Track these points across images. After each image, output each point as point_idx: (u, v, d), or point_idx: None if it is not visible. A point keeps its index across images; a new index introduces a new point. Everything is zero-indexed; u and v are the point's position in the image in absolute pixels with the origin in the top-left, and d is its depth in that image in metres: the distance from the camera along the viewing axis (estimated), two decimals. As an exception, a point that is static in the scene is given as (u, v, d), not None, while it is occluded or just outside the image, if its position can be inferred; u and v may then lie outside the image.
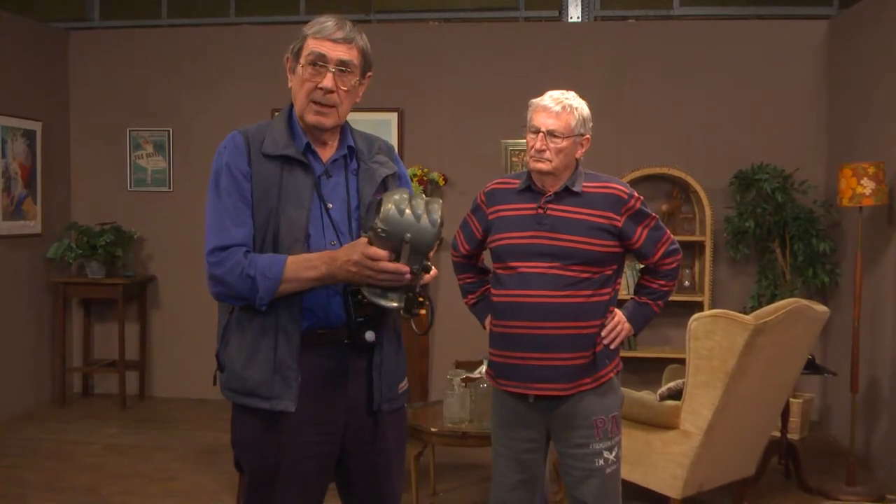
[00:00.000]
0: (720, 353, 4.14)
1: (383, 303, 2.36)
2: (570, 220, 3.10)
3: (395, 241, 2.28)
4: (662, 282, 3.27)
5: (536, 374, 3.10)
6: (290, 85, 2.53)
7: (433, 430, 4.44)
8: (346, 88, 2.47)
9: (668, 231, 3.29)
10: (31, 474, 5.28)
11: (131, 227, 7.04)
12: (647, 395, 4.62)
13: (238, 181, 2.43)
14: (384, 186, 2.58)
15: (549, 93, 3.23)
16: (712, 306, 6.24)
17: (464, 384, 4.52)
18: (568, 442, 3.18)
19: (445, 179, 6.76)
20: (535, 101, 3.22)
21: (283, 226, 2.41)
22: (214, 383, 2.53)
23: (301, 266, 2.37)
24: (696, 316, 4.26)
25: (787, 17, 6.93)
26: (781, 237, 6.24)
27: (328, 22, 2.47)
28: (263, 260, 2.38)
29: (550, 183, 3.16)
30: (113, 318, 7.04)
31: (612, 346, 3.19)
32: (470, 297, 3.47)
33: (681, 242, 6.22)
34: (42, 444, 5.92)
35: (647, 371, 6.38)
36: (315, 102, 2.46)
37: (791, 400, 5.99)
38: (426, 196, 2.37)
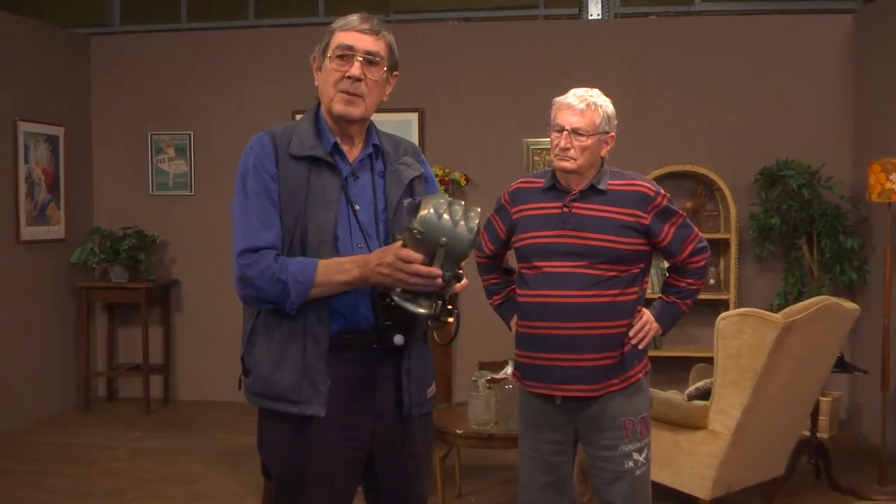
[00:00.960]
0: (749, 352, 4.08)
1: (413, 308, 2.32)
2: (596, 218, 3.06)
3: (430, 245, 2.24)
4: (690, 280, 3.22)
5: (563, 375, 3.06)
6: (316, 83, 2.51)
7: (458, 432, 4.41)
8: (373, 78, 2.45)
9: (696, 228, 3.24)
10: (56, 479, 5.29)
11: (154, 230, 7.05)
12: (674, 395, 4.57)
13: (266, 182, 2.40)
14: (411, 189, 2.56)
15: (573, 90, 3.19)
16: (738, 304, 6.18)
17: (489, 385, 4.48)
18: (596, 444, 3.13)
19: (467, 179, 6.72)
20: (559, 98, 3.18)
21: (311, 228, 2.39)
22: (240, 387, 2.51)
23: (333, 270, 2.34)
24: (723, 315, 4.21)
25: (810, 12, 6.84)
26: (808, 234, 6.17)
27: (354, 16, 2.47)
28: (295, 264, 2.35)
29: (576, 181, 3.12)
30: (137, 322, 7.05)
31: (641, 347, 3.14)
32: (495, 297, 3.43)
33: (705, 240, 6.25)
34: (66, 448, 5.93)
35: (672, 370, 6.32)
36: (343, 91, 2.43)
37: (820, 398, 5.93)
38: (463, 202, 2.32)
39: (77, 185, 7.05)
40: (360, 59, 2.41)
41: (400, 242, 2.29)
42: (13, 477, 5.35)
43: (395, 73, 2.56)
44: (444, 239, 2.24)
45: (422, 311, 2.33)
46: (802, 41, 6.55)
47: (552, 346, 3.06)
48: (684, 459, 4.30)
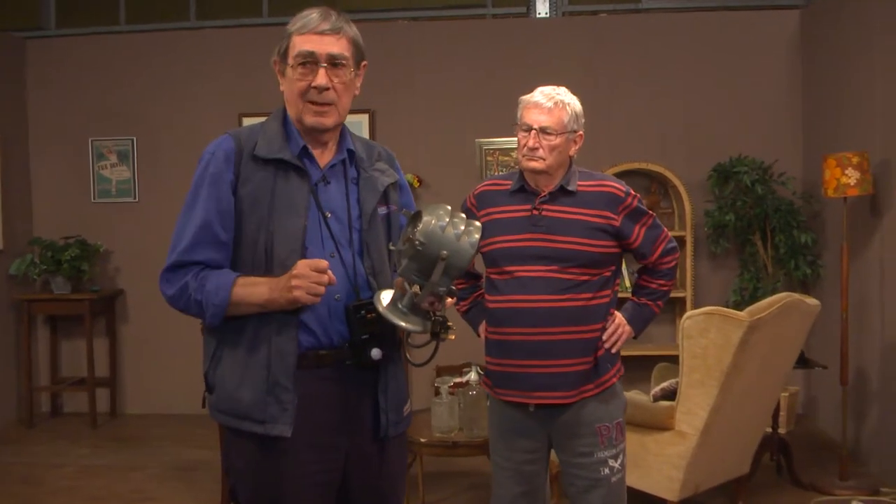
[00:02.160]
0: (715, 352, 4.05)
1: (406, 325, 2.22)
2: (567, 220, 2.98)
3: (430, 258, 2.15)
4: (661, 281, 3.17)
5: (537, 383, 2.97)
6: (281, 88, 2.38)
7: (422, 440, 4.32)
8: (342, 82, 2.31)
9: (665, 229, 3.18)
10: (2, 500, 5.07)
11: (97, 239, 6.81)
12: (639, 396, 4.52)
13: (219, 192, 2.27)
14: (385, 196, 2.44)
15: (540, 88, 3.11)
16: (695, 302, 6.18)
17: (452, 391, 4.39)
18: (571, 451, 3.06)
19: (420, 181, 6.62)
20: (526, 97, 3.10)
21: (278, 237, 2.26)
22: (203, 405, 2.37)
23: (247, 291, 2.23)
24: (689, 314, 4.17)
25: (756, 8, 6.86)
26: (762, 230, 6.18)
27: (311, 14, 2.31)
28: (212, 282, 2.24)
29: (544, 182, 3.04)
30: (80, 334, 6.80)
31: (614, 350, 3.07)
32: (462, 303, 3.33)
33: (675, 240, 6.23)
34: (11, 467, 5.69)
35: (631, 370, 6.16)
36: (311, 102, 2.30)
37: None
38: (464, 215, 2.26)
39: (14, 193, 6.79)
40: (325, 65, 2.28)
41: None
42: (-47, 499, 5.13)
43: (364, 62, 2.42)
44: (445, 252, 2.16)
45: (417, 328, 2.24)
46: (750, 37, 6.57)
47: (525, 353, 2.98)
48: (652, 461, 4.25)
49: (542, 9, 7.15)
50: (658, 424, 4.24)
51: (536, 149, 2.99)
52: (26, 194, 6.98)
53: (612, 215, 3.01)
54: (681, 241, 6.37)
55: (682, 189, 6.24)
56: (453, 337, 2.30)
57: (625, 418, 3.15)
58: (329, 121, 2.33)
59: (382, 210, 2.43)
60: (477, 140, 6.61)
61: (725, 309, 4.11)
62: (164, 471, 5.54)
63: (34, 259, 6.57)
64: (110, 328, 6.93)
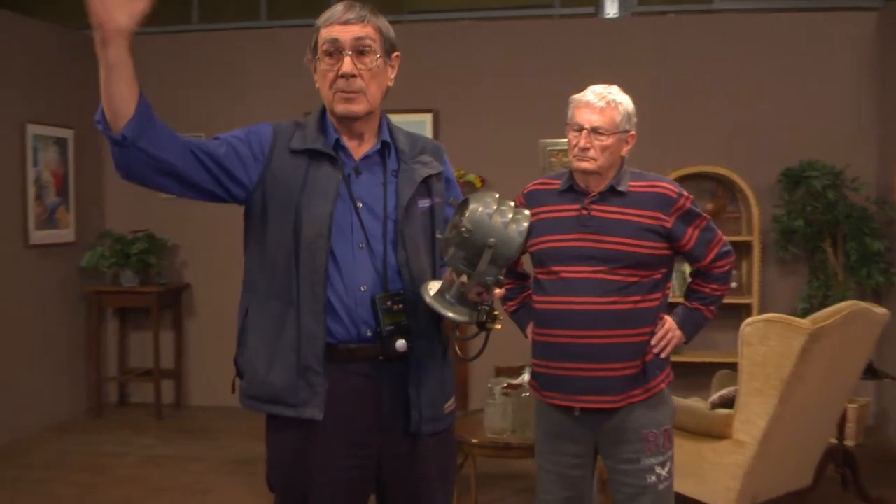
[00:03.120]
0: (775, 360, 3.94)
1: (452, 315, 2.20)
2: (617, 220, 2.93)
3: (477, 245, 2.13)
4: (714, 285, 3.09)
5: (583, 386, 2.93)
6: (316, 85, 2.38)
7: (474, 441, 4.29)
8: (368, 69, 2.30)
9: (720, 232, 3.11)
10: (64, 487, 5.19)
11: (165, 234, 6.95)
12: (697, 403, 4.43)
13: (246, 140, 2.32)
14: (427, 187, 2.42)
15: (592, 88, 3.06)
16: (761, 308, 6.03)
17: (505, 393, 4.35)
18: (618, 457, 3.00)
19: (483, 181, 6.60)
20: (577, 96, 3.06)
21: (306, 219, 2.27)
22: (233, 391, 2.39)
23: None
24: (749, 320, 4.07)
25: (832, 10, 6.67)
26: (833, 236, 6.01)
27: (337, 7, 2.31)
28: None
29: (595, 182, 2.99)
30: (148, 326, 6.94)
31: (663, 355, 3.01)
32: (510, 303, 3.30)
33: (730, 244, 6.09)
34: (76, 456, 5.83)
35: (694, 376, 6.16)
36: (340, 91, 2.30)
37: (847, 405, 5.77)
38: (512, 204, 2.25)
39: (87, 188, 6.96)
40: (349, 52, 2.27)
41: None
42: (20, 485, 5.25)
43: (396, 53, 2.41)
44: (492, 240, 2.13)
45: (462, 318, 2.21)
46: (825, 39, 6.39)
47: (571, 356, 2.93)
48: (708, 470, 4.16)
49: (612, 9, 7.07)
50: (715, 432, 4.15)
51: (588, 149, 2.95)
52: (99, 189, 7.15)
53: (664, 216, 2.95)
54: (747, 246, 6.24)
55: (749, 193, 6.10)
56: (499, 327, 2.28)
57: (673, 425, 3.08)
58: (358, 108, 2.32)
59: (425, 203, 2.40)
60: (541, 140, 6.56)
61: (786, 316, 4.01)
62: (224, 463, 5.61)
63: (104, 252, 6.72)
64: (176, 321, 7.07)
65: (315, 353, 2.25)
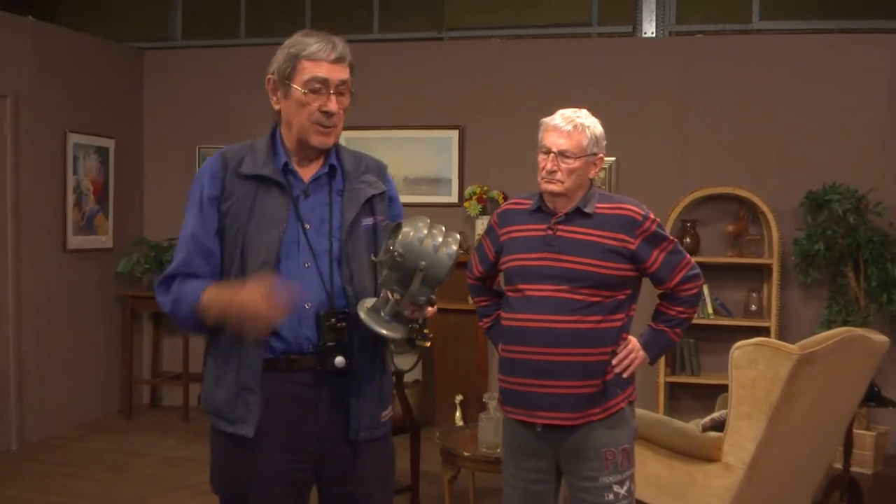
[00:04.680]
0: (764, 384, 3.93)
1: (385, 332, 2.31)
2: (580, 241, 2.99)
3: (408, 268, 2.24)
4: (680, 308, 3.12)
5: (543, 403, 2.99)
6: (275, 106, 2.48)
7: (466, 454, 4.36)
8: (345, 107, 2.45)
9: (688, 255, 3.15)
10: (84, 484, 5.40)
11: (199, 242, 7.13)
12: (689, 425, 4.43)
13: (205, 210, 2.44)
14: (370, 207, 2.52)
15: (561, 111, 3.13)
16: (780, 332, 5.99)
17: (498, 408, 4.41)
18: (577, 474, 3.05)
19: (505, 198, 6.67)
20: (546, 119, 3.14)
21: (254, 245, 2.38)
22: (199, 402, 2.53)
23: (215, 292, 2.36)
24: (738, 344, 4.06)
25: (868, 31, 6.60)
26: (854, 261, 5.94)
27: (319, 42, 2.41)
28: (190, 285, 2.40)
29: (562, 204, 3.06)
30: (180, 331, 7.15)
31: (625, 375, 3.05)
32: (485, 320, 3.37)
33: (748, 265, 6.10)
34: (101, 454, 6.05)
35: (709, 398, 6.13)
36: (319, 125, 2.42)
37: (864, 432, 5.71)
38: (443, 227, 2.35)
39: (126, 196, 7.21)
40: (333, 92, 2.40)
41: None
42: (46, 480, 5.48)
43: (353, 88, 2.51)
44: (423, 263, 2.24)
45: (395, 335, 2.32)
46: (855, 61, 6.33)
47: (532, 372, 3.00)
48: (698, 492, 4.16)
49: (649, 28, 7.10)
50: (705, 455, 4.15)
51: (555, 172, 3.02)
52: (137, 197, 7.40)
53: (628, 238, 3.00)
54: (768, 269, 6.21)
55: (770, 216, 6.07)
56: (428, 344, 2.39)
57: (634, 444, 3.12)
58: (332, 141, 2.47)
59: (368, 221, 2.50)
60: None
61: (775, 341, 4.01)
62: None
63: (139, 258, 6.95)
64: (208, 327, 7.24)
65: (253, 373, 2.37)
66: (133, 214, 7.35)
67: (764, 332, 6.05)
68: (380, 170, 2.63)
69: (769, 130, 6.41)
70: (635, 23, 7.13)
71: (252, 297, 2.24)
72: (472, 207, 6.63)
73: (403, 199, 6.84)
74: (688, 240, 6.30)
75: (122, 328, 7.17)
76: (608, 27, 7.23)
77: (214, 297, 2.34)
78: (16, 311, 6.12)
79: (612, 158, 6.59)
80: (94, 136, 6.82)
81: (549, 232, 3.03)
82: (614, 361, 3.02)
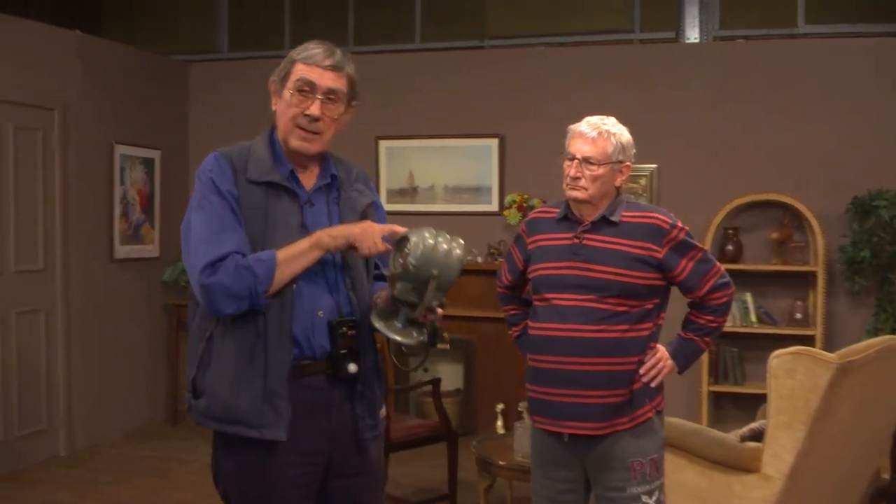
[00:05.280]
0: (802, 393, 3.86)
1: (402, 339, 2.39)
2: (606, 250, 2.97)
3: (422, 278, 2.30)
4: (710, 317, 3.08)
5: (569, 412, 2.97)
6: (273, 108, 2.53)
7: (501, 463, 4.34)
8: (332, 116, 2.47)
9: (718, 263, 3.11)
10: (126, 490, 5.49)
11: (243, 251, 7.22)
12: (727, 435, 4.37)
13: (228, 200, 2.42)
14: (364, 216, 2.56)
15: (587, 118, 3.11)
16: (825, 341, 5.89)
17: (535, 417, 4.39)
18: (605, 485, 3.03)
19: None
20: (573, 126, 3.13)
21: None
22: (189, 410, 2.53)
23: (288, 249, 2.38)
24: (776, 353, 3.99)
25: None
26: (903, 267, 5.82)
27: (318, 48, 2.45)
28: (255, 255, 2.37)
29: (588, 212, 3.04)
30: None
31: (653, 384, 3.02)
32: (514, 329, 3.36)
33: (792, 273, 6.00)
34: (147, 460, 6.15)
35: (754, 407, 6.02)
36: (300, 128, 2.45)
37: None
38: (447, 234, 2.41)
39: (172, 206, 7.31)
40: (321, 97, 2.42)
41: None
42: (91, 486, 5.58)
43: (355, 102, 2.55)
44: (436, 271, 2.29)
45: (409, 341, 2.39)
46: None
47: (558, 381, 2.99)
48: (737, 503, 4.10)
49: (692, 33, 7.03)
50: (743, 466, 4.08)
51: (579, 178, 3.00)
52: (183, 208, 7.42)
53: (655, 247, 2.97)
54: (813, 277, 6.10)
55: (814, 222, 5.97)
56: (447, 346, 2.45)
57: (662, 455, 3.08)
58: (313, 148, 2.48)
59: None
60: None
61: (814, 349, 3.93)
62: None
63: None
64: (251, 335, 7.33)
65: (280, 379, 2.39)
66: (178, 224, 7.37)
67: (809, 340, 5.95)
68: (366, 178, 2.69)
69: (813, 135, 6.31)
70: (678, 29, 7.07)
71: (368, 225, 2.42)
72: (512, 216, 6.61)
73: (443, 207, 6.89)
74: (730, 247, 6.22)
75: (167, 336, 7.27)
76: (651, 33, 7.18)
77: (323, 233, 2.40)
78: (64, 319, 6.24)
79: (654, 165, 6.54)
80: (141, 147, 6.95)
81: (576, 241, 3.01)
82: (641, 370, 2.99)
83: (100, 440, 6.51)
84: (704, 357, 6.14)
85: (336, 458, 2.51)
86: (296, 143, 2.46)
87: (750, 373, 6.25)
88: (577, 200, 3.03)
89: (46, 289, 6.13)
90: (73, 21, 6.82)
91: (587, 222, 3.03)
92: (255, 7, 7.94)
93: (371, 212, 2.59)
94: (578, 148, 3.02)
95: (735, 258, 6.24)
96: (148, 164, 7.04)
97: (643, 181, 6.56)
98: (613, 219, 3.00)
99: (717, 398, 6.41)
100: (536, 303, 3.11)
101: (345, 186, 2.57)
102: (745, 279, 6.25)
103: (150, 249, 7.08)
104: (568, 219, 3.08)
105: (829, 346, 5.68)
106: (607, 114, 3.18)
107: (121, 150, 6.73)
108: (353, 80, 2.49)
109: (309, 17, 7.84)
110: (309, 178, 2.53)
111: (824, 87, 6.34)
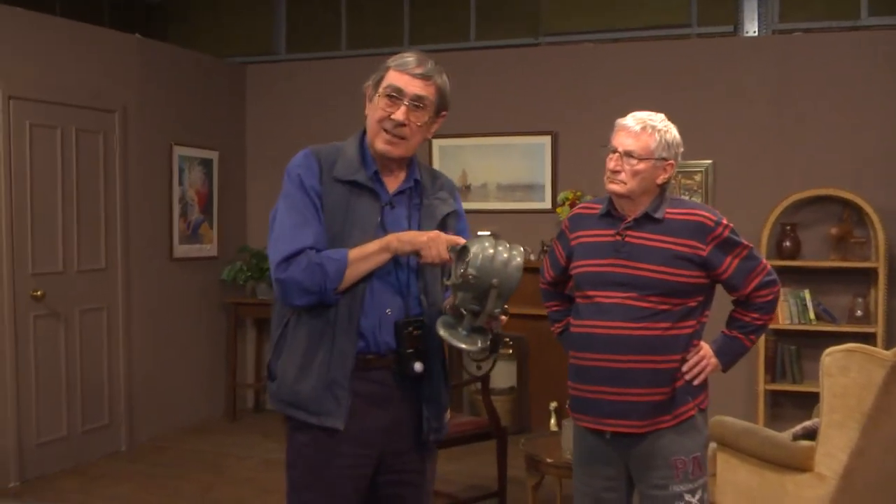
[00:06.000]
0: (856, 391, 3.79)
1: (466, 347, 2.44)
2: (649, 248, 2.94)
3: (483, 287, 2.35)
4: (755, 315, 3.03)
5: (611, 410, 2.96)
6: (366, 112, 2.61)
7: (549, 460, 4.34)
8: (417, 123, 2.54)
9: (764, 261, 3.06)
10: (186, 485, 5.60)
11: (300, 250, 7.30)
12: (780, 434, 4.30)
13: (311, 196, 2.50)
14: (444, 224, 2.63)
15: (634, 113, 3.09)
16: (887, 339, 5.77)
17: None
18: (647, 482, 3.00)
19: (599, 203, 6.60)
20: (619, 120, 3.10)
21: (348, 247, 2.48)
22: (265, 392, 2.61)
23: (360, 249, 2.46)
24: (829, 350, 3.93)
25: None
26: (967, 264, 5.67)
27: (410, 57, 2.55)
28: (328, 252, 2.46)
29: (630, 208, 3.02)
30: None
31: (696, 383, 2.98)
32: (556, 325, 3.35)
33: (853, 270, 5.87)
34: (205, 455, 6.26)
35: (813, 406, 5.93)
36: (385, 131, 2.52)
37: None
38: (507, 243, 2.46)
39: (230, 206, 7.44)
40: (407, 103, 2.50)
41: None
42: (150, 480, 5.71)
43: (444, 112, 2.62)
44: (495, 280, 2.35)
45: (474, 348, 2.44)
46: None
47: (600, 379, 2.97)
48: (790, 503, 4.04)
49: (751, 27, 6.93)
50: (796, 465, 4.02)
51: (618, 172, 2.98)
52: (241, 207, 7.63)
53: (699, 245, 2.94)
54: (874, 273, 5.97)
55: (875, 217, 5.84)
56: (510, 351, 2.51)
57: (706, 453, 3.05)
58: (396, 151, 2.55)
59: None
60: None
61: (868, 346, 3.85)
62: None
63: (242, 266, 7.16)
64: (308, 333, 7.41)
65: (344, 370, 2.48)
66: (236, 223, 7.58)
67: (870, 338, 5.83)
68: (451, 187, 2.75)
69: (874, 129, 6.17)
70: (737, 22, 6.96)
71: (436, 235, 2.47)
72: (565, 213, 6.57)
73: (496, 205, 6.91)
74: (787, 243, 6.12)
75: (226, 334, 7.40)
76: (709, 27, 7.08)
77: (393, 237, 2.47)
78: (125, 318, 6.39)
79: (709, 161, 6.47)
80: (199, 148, 7.08)
81: (618, 237, 3.00)
82: (684, 368, 2.96)
83: (160, 435, 6.66)
84: (761, 355, 6.06)
85: (388, 455, 2.57)
86: (381, 145, 2.53)
87: (808, 371, 6.13)
88: (615, 194, 3.01)
89: (108, 287, 6.28)
90: (139, 28, 7.00)
91: (630, 219, 3.01)
92: (312, 8, 8.02)
93: (452, 221, 2.65)
94: (621, 141, 3.00)
95: (793, 254, 6.13)
96: (206, 164, 7.17)
97: (698, 177, 6.48)
98: (657, 216, 2.98)
99: (775, 397, 6.31)
100: (578, 300, 3.10)
101: (427, 193, 2.64)
102: (804, 276, 6.14)
103: (209, 249, 7.21)
104: (611, 215, 3.06)
105: (891, 344, 5.56)
106: (661, 109, 3.16)
107: (179, 151, 6.86)
108: (442, 91, 2.57)
109: (365, 17, 7.89)
110: (393, 182, 2.61)
111: (886, 79, 6.19)
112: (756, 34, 6.85)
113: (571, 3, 7.28)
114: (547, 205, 6.82)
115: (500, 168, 6.95)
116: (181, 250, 6.91)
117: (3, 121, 5.46)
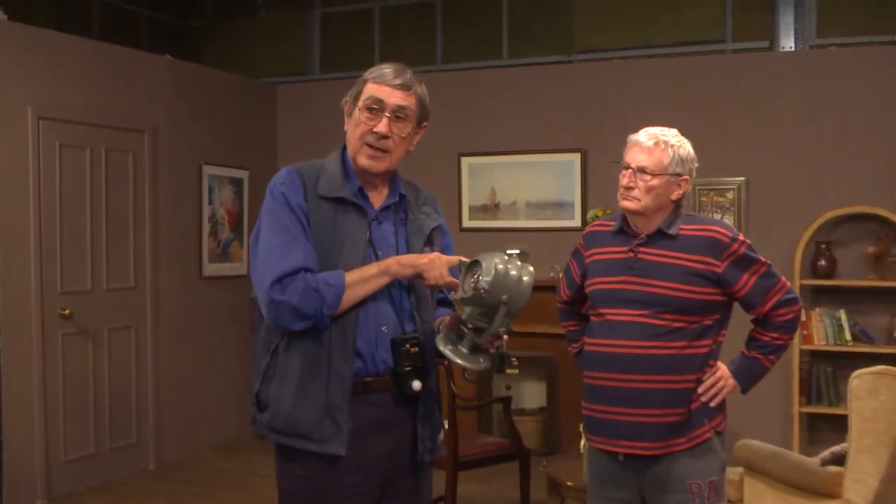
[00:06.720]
0: (885, 415, 3.69)
1: (469, 365, 2.39)
2: (663, 264, 2.87)
3: (492, 303, 2.30)
4: (775, 334, 2.94)
5: (624, 431, 2.88)
6: (345, 128, 2.56)
7: (569, 483, 4.25)
8: (400, 135, 2.49)
9: (783, 278, 2.96)
10: (207, 502, 5.57)
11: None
12: (808, 459, 4.18)
13: (297, 214, 2.44)
14: (430, 239, 2.58)
15: (646, 128, 3.03)
16: (925, 360, 5.58)
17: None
18: (662, 506, 2.92)
19: (629, 221, 6.51)
20: (632, 136, 3.04)
21: (339, 266, 2.42)
22: (253, 423, 2.53)
23: (357, 272, 2.40)
24: (857, 372, 3.83)
25: None
26: None
27: (388, 68, 2.50)
28: (323, 275, 2.39)
29: (643, 224, 2.95)
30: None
31: (713, 404, 2.90)
32: (573, 345, 3.28)
33: (891, 289, 5.71)
34: (228, 473, 6.26)
35: (836, 430, 5.78)
36: (368, 146, 2.47)
37: None
38: (518, 261, 2.41)
39: (261, 226, 7.44)
40: (388, 115, 2.45)
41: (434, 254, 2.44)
42: (176, 498, 5.71)
43: (425, 123, 2.58)
44: (505, 296, 2.30)
45: (481, 367, 2.40)
46: None
47: (613, 399, 2.89)
48: (819, 530, 3.92)
49: (787, 42, 6.82)
50: (825, 490, 3.90)
51: (632, 188, 2.93)
52: (271, 225, 7.62)
53: (715, 261, 2.86)
54: (911, 292, 5.81)
55: (912, 236, 5.69)
56: (516, 371, 2.45)
57: (723, 477, 2.95)
58: (380, 166, 2.49)
59: (427, 251, 2.55)
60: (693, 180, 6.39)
61: (897, 369, 3.73)
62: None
63: (271, 285, 7.15)
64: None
65: (342, 392, 2.40)
66: (267, 242, 7.57)
67: (907, 360, 5.66)
68: (434, 202, 2.70)
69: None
70: (773, 38, 6.85)
71: (436, 256, 2.44)
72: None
73: (526, 223, 6.83)
74: (823, 262, 5.98)
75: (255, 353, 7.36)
76: (744, 43, 6.97)
77: (392, 261, 2.44)
78: (154, 336, 6.42)
79: (742, 178, 6.35)
80: (229, 167, 7.11)
81: (631, 254, 2.93)
82: (700, 389, 2.88)
83: (188, 454, 6.66)
84: (795, 376, 5.91)
85: (390, 479, 2.51)
86: (363, 161, 2.48)
87: (845, 393, 5.93)
88: (628, 211, 2.95)
89: (137, 306, 6.31)
90: (176, 50, 7.05)
91: (643, 235, 2.94)
92: (346, 28, 8.04)
93: (437, 236, 2.61)
94: (633, 157, 2.95)
95: (828, 274, 5.99)
96: (237, 184, 7.19)
97: (730, 195, 6.37)
98: (670, 232, 2.91)
99: (811, 420, 6.14)
100: (592, 318, 3.03)
101: (412, 208, 2.60)
102: (839, 295, 5.99)
103: (239, 267, 7.22)
104: (624, 232, 2.99)
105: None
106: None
107: (209, 170, 6.89)
108: (422, 100, 2.52)
109: (399, 36, 7.90)
110: (377, 197, 2.56)
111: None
112: (793, 49, 6.73)
113: (604, 20, 7.21)
114: (576, 223, 6.72)
115: (530, 186, 6.89)
116: (211, 269, 6.93)
117: (33, 141, 5.53)
